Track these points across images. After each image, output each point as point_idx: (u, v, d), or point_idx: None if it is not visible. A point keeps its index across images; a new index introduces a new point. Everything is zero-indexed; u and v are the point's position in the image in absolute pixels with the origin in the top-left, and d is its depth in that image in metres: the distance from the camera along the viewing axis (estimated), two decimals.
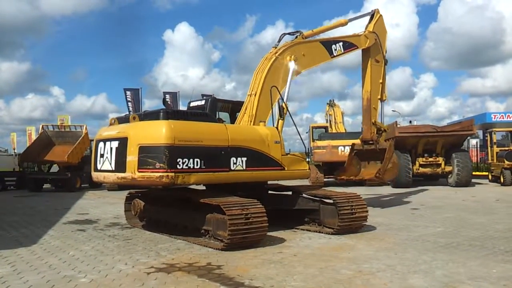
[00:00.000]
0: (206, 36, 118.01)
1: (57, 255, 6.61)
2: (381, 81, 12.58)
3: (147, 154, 7.00)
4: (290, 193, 8.96)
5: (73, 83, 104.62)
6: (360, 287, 4.80)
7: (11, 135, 41.09)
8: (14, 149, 34.21)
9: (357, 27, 12.62)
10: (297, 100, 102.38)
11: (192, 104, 9.76)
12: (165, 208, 8.46)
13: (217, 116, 9.27)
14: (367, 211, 8.23)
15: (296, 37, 10.26)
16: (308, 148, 21.58)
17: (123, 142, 7.45)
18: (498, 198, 14.38)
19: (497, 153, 20.90)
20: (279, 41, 10.03)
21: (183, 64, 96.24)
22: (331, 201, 8.03)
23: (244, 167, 7.77)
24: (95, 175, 8.40)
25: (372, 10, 12.83)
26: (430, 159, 19.69)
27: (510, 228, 8.52)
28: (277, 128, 8.81)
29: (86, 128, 22.33)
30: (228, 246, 6.60)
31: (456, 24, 76.10)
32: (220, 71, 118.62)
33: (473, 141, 31.49)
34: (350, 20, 12.13)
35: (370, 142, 12.33)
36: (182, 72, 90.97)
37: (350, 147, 13.20)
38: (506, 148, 21.00)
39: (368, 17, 12.75)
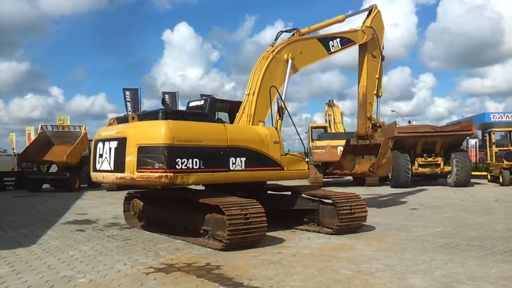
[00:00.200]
0: (205, 36, 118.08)
1: (56, 255, 6.60)
2: (377, 76, 12.55)
3: (146, 154, 7.00)
4: (289, 193, 8.96)
5: (72, 83, 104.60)
6: (359, 287, 4.80)
7: (10, 135, 41.00)
8: (13, 149, 34.16)
9: (355, 24, 12.63)
10: (296, 100, 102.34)
11: (191, 104, 9.76)
12: (164, 208, 8.46)
13: (216, 116, 9.26)
14: (366, 211, 8.24)
15: (293, 34, 10.23)
16: (307, 148, 21.58)
17: (122, 142, 7.44)
18: (497, 198, 14.40)
19: (496, 153, 20.90)
20: (276, 39, 10.00)
21: (182, 64, 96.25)
22: (330, 201, 8.03)
23: (243, 167, 7.76)
24: (94, 175, 8.39)
25: (370, 6, 12.79)
26: (429, 159, 19.70)
27: (509, 228, 8.53)
28: (276, 128, 8.80)
29: (85, 128, 22.34)
30: (227, 246, 6.59)
31: (455, 24, 76.24)
32: (219, 71, 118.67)
33: (472, 141, 31.52)
34: (348, 16, 12.09)
35: (365, 137, 12.28)
36: (181, 72, 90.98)
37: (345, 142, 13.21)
38: (505, 148, 21.01)
39: (365, 13, 12.72)
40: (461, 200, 13.81)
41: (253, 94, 8.95)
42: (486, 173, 22.58)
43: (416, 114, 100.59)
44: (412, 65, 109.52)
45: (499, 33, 70.28)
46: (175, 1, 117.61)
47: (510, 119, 35.79)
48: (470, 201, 13.55)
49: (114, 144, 7.69)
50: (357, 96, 12.55)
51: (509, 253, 6.37)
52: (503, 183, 19.00)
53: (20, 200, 16.70)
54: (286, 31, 10.32)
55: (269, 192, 9.23)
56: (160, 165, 6.85)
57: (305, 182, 18.33)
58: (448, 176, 19.43)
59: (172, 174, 6.88)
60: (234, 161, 7.64)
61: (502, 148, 21.25)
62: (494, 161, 20.81)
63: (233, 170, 7.63)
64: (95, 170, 8.30)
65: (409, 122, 34.62)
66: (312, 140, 23.29)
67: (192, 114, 8.01)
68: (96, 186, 21.58)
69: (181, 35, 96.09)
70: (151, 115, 7.59)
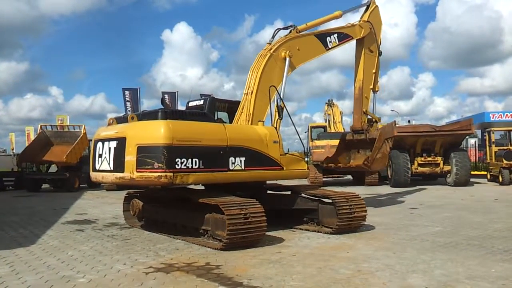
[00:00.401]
0: (205, 36, 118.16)
1: (56, 255, 6.60)
2: (374, 71, 12.53)
3: (145, 154, 6.99)
4: (289, 192, 8.96)
5: (72, 83, 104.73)
6: (359, 286, 4.80)
7: (10, 135, 41.12)
8: (12, 149, 34.27)
9: (354, 20, 12.59)
10: (296, 99, 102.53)
11: (191, 104, 9.75)
12: (164, 208, 8.45)
13: (216, 116, 9.26)
14: (365, 211, 8.23)
15: (290, 31, 10.18)
16: (307, 148, 21.60)
17: (121, 142, 7.44)
18: (496, 197, 14.40)
19: (495, 152, 20.92)
20: (273, 36, 9.96)
21: (182, 64, 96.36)
22: (329, 200, 8.02)
23: (243, 167, 7.76)
24: (94, 175, 8.39)
25: (367, 1, 12.75)
26: (429, 159, 19.70)
27: (508, 227, 8.53)
28: (275, 127, 8.80)
29: (84, 128, 22.32)
30: (227, 246, 6.59)
31: (454, 24, 76.38)
32: (219, 71, 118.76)
33: (472, 141, 31.55)
34: (345, 12, 12.04)
35: (361, 131, 12.23)
36: (181, 72, 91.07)
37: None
38: (505, 148, 21.02)
39: (363, 8, 12.66)
40: (460, 200, 13.81)
41: (252, 94, 8.94)
42: (485, 173, 22.59)
43: (416, 113, 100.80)
44: (411, 64, 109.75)
45: (499, 33, 70.46)
46: (174, 1, 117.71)
47: (509, 118, 35.82)
48: (470, 201, 13.55)
49: (113, 144, 7.68)
50: (353, 90, 12.51)
51: (509, 252, 6.37)
52: (502, 182, 19.01)
53: (20, 200, 16.69)
54: (283, 29, 10.28)
55: (268, 191, 9.23)
56: (160, 165, 6.85)
57: (304, 182, 18.34)
58: (448, 176, 19.44)
59: (171, 174, 6.88)
60: (233, 161, 7.64)
61: (501, 148, 21.27)
62: (493, 160, 20.82)
63: (232, 170, 7.62)
64: (94, 170, 8.29)
65: (409, 121, 34.74)
66: (312, 140, 23.31)
67: (191, 114, 8.00)
68: (95, 186, 21.60)
69: (180, 35, 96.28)
70: (150, 115, 7.58)
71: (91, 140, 10.39)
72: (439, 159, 19.58)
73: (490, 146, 21.86)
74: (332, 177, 23.42)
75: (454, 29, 75.54)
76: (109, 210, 12.59)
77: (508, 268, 5.47)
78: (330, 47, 10.95)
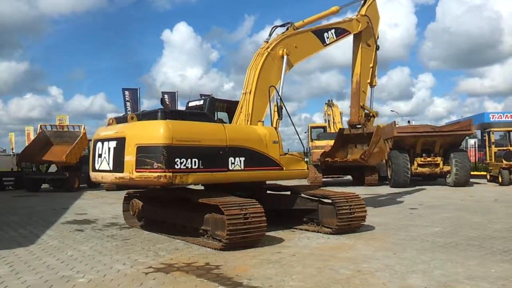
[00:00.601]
0: (205, 36, 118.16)
1: (55, 255, 6.60)
2: (371, 65, 12.46)
3: (145, 154, 6.99)
4: (288, 193, 8.96)
5: (72, 82, 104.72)
6: (359, 286, 4.79)
7: (9, 135, 41.07)
8: (12, 149, 34.22)
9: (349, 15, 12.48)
10: (296, 100, 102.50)
11: (191, 104, 9.75)
12: (164, 208, 8.45)
13: (216, 116, 9.26)
14: (365, 211, 8.23)
15: (287, 28, 10.11)
16: (307, 148, 21.59)
17: (121, 142, 7.44)
18: (496, 198, 14.40)
19: (495, 153, 20.92)
20: (270, 34, 9.88)
21: (182, 64, 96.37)
22: (329, 201, 8.02)
23: (242, 167, 7.76)
24: (93, 175, 8.38)
25: None
26: (429, 159, 19.71)
27: (508, 227, 8.53)
28: (275, 128, 8.80)
29: (84, 128, 22.32)
30: (227, 246, 6.59)
31: (454, 24, 76.42)
32: (219, 71, 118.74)
33: (471, 141, 31.55)
34: (342, 7, 11.94)
35: (358, 126, 12.17)
36: (181, 72, 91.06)
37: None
38: (504, 148, 21.02)
39: (360, 3, 12.55)
40: (460, 200, 13.81)
41: (250, 93, 8.91)
42: (485, 173, 22.59)
43: (416, 114, 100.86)
44: (411, 65, 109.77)
45: (498, 33, 70.51)
46: (174, 1, 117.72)
47: (509, 119, 35.84)
48: (470, 201, 13.55)
49: (113, 144, 7.68)
50: (351, 85, 12.44)
51: (508, 252, 6.37)
52: (502, 182, 19.02)
53: (19, 200, 16.69)
54: (280, 26, 10.19)
55: (268, 192, 9.23)
56: (159, 165, 6.85)
57: (304, 182, 18.34)
58: (448, 176, 19.44)
59: (171, 174, 6.88)
60: (233, 161, 7.63)
61: (501, 148, 21.27)
62: (493, 161, 20.83)
63: (232, 170, 7.62)
64: (94, 170, 8.29)
65: (409, 122, 34.67)
66: (312, 140, 23.32)
67: (191, 114, 8.00)
68: (95, 186, 21.60)
69: (180, 35, 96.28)
70: (150, 115, 7.58)
71: (90, 140, 10.39)
72: (438, 160, 19.58)
73: (489, 146, 21.87)
74: (332, 177, 23.44)
75: (454, 29, 75.68)
76: (109, 210, 12.58)
77: (508, 269, 5.47)
78: (327, 43, 10.87)
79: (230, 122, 9.26)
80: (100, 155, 8.04)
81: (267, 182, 9.13)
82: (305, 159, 9.21)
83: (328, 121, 29.59)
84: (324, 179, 20.98)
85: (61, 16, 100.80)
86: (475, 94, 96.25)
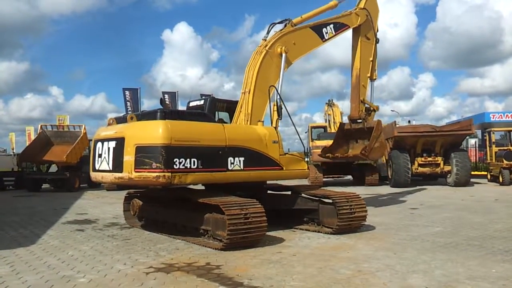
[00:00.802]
0: (205, 36, 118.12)
1: (56, 255, 6.60)
2: (371, 59, 12.32)
3: (144, 154, 7.00)
4: (289, 193, 8.96)
5: (72, 82, 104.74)
6: (359, 286, 4.79)
7: (10, 135, 41.07)
8: (13, 149, 34.24)
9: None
10: (296, 100, 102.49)
11: (192, 104, 9.75)
12: (164, 208, 8.45)
13: (218, 116, 9.25)
14: (366, 211, 8.23)
15: (285, 25, 10.01)
16: (307, 148, 21.56)
17: (120, 142, 7.45)
18: (497, 197, 14.40)
19: (495, 152, 20.93)
20: (268, 32, 9.80)
21: (182, 64, 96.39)
22: (330, 200, 8.02)
23: (242, 167, 7.76)
24: (93, 175, 8.40)
25: None
26: (429, 159, 19.71)
27: (509, 227, 8.53)
28: (275, 127, 8.79)
29: (84, 128, 22.34)
30: (227, 246, 6.59)
31: (454, 24, 76.34)
32: (219, 71, 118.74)
33: (472, 141, 31.53)
34: (340, 1, 11.77)
35: (358, 120, 12.02)
36: (181, 72, 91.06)
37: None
38: (505, 148, 21.04)
39: None
40: (461, 200, 13.81)
41: (249, 93, 8.89)
42: (486, 173, 22.60)
43: (416, 113, 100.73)
44: (411, 64, 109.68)
45: (499, 33, 70.41)
46: (174, 1, 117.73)
47: (509, 118, 35.80)
48: (470, 201, 13.55)
49: (112, 144, 7.69)
50: (350, 79, 12.29)
51: (509, 252, 6.37)
52: (503, 182, 19.01)
53: (20, 200, 16.69)
54: (278, 23, 10.09)
55: (269, 191, 9.22)
56: (158, 165, 6.86)
57: (305, 182, 18.34)
58: (448, 176, 19.44)
59: (169, 174, 6.88)
60: (232, 161, 7.63)
61: (501, 148, 21.28)
62: (493, 160, 20.83)
63: (231, 170, 7.62)
64: (94, 170, 8.30)
65: (409, 121, 34.60)
66: (312, 140, 23.29)
67: (190, 114, 8.01)
68: (96, 186, 21.61)
69: (180, 35, 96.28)
70: (149, 115, 7.60)
71: (91, 140, 10.40)
72: (439, 160, 19.58)
73: (490, 146, 21.87)
74: (333, 177, 23.44)
75: (454, 29, 75.58)
76: (110, 210, 12.59)
77: (509, 269, 5.47)
78: (326, 38, 10.77)
79: (231, 122, 9.26)
80: (100, 155, 8.05)
81: (268, 182, 9.12)
82: (306, 159, 9.20)
83: (329, 121, 29.56)
84: (324, 179, 20.98)
85: (61, 16, 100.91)
86: (475, 94, 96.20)
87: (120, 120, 8.20)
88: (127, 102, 29.87)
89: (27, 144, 25.98)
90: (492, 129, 23.07)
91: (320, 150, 19.91)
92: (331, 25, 10.93)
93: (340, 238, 7.58)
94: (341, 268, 5.55)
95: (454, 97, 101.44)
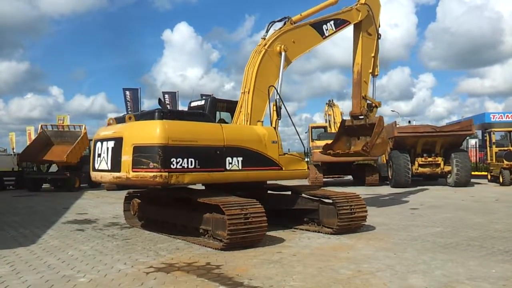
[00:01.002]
0: (205, 36, 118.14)
1: (56, 254, 6.60)
2: (373, 55, 12.14)
3: (141, 154, 7.02)
4: (289, 193, 8.95)
5: (72, 82, 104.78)
6: (360, 287, 4.79)
7: (10, 135, 41.02)
8: (13, 148, 34.19)
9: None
10: (296, 100, 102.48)
11: (193, 104, 9.76)
12: (164, 207, 8.46)
13: (219, 116, 9.26)
14: (366, 211, 8.22)
15: (285, 23, 9.90)
16: (307, 148, 21.56)
17: (118, 142, 7.49)
18: (497, 198, 14.39)
19: (496, 153, 20.90)
20: (267, 30, 9.72)
21: (182, 64, 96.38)
22: (330, 201, 8.02)
23: (240, 167, 7.75)
24: (93, 175, 8.43)
25: None
26: (429, 159, 19.68)
27: (509, 228, 8.52)
28: (274, 128, 8.78)
29: (85, 128, 22.34)
30: (227, 246, 6.59)
31: (455, 24, 76.31)
32: (219, 71, 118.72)
33: (472, 141, 31.53)
34: None
35: (360, 117, 11.86)
36: (181, 72, 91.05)
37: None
38: (505, 148, 21.00)
39: None
40: (461, 200, 13.80)
41: (248, 92, 8.87)
42: (486, 173, 22.58)
43: (416, 114, 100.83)
44: (411, 65, 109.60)
45: (499, 33, 70.39)
46: (175, 1, 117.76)
47: (510, 119, 35.70)
48: (470, 201, 13.54)
49: (111, 144, 7.72)
50: (352, 75, 12.10)
51: (509, 253, 6.36)
52: (503, 183, 19.00)
53: (20, 200, 16.69)
54: (277, 21, 9.98)
55: (269, 192, 9.22)
56: (155, 164, 6.87)
57: (305, 182, 18.33)
58: (448, 176, 19.42)
59: (166, 173, 6.89)
60: (230, 161, 7.64)
61: (502, 148, 21.24)
62: (494, 161, 20.81)
63: (229, 170, 7.62)
64: (94, 169, 8.32)
65: (409, 122, 34.57)
66: (312, 140, 23.28)
67: (189, 114, 8.04)
68: (96, 185, 21.61)
69: (181, 35, 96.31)
70: (147, 115, 7.64)
71: (91, 140, 10.40)
72: (439, 160, 19.56)
73: (490, 146, 21.84)
74: (333, 177, 23.43)
75: (455, 29, 75.54)
76: (110, 210, 12.59)
77: (509, 269, 5.46)
78: (327, 35, 10.63)
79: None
80: (99, 155, 8.08)
81: (268, 182, 9.12)
82: (306, 159, 9.18)
83: (329, 121, 29.53)
84: (324, 179, 20.97)
85: (61, 16, 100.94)
86: (475, 94, 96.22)
87: (120, 120, 8.21)
88: (128, 102, 29.91)
89: (28, 144, 25.96)
90: (493, 129, 23.02)
91: (320, 150, 20.02)
92: (331, 22, 10.79)
93: (340, 238, 7.58)
94: (341, 268, 5.55)
95: (454, 98, 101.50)
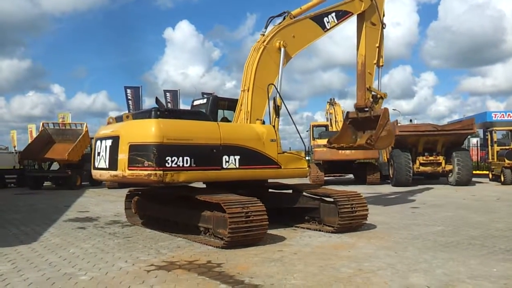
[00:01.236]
0: (207, 34, 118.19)
1: (57, 252, 6.61)
2: (377, 45, 11.77)
3: (136, 152, 7.05)
4: (290, 191, 8.95)
5: (74, 80, 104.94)
6: (361, 285, 4.79)
7: (11, 133, 41.03)
8: (14, 146, 34.21)
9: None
10: (297, 98, 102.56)
11: (196, 103, 9.76)
12: (165, 206, 8.46)
13: (223, 115, 9.24)
14: (367, 210, 8.22)
15: (284, 18, 9.68)
16: (308, 147, 21.56)
17: (115, 140, 7.53)
18: (498, 197, 14.37)
19: (497, 152, 20.88)
20: (266, 26, 9.53)
21: (184, 62, 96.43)
22: (331, 199, 8.02)
23: (237, 166, 7.74)
24: (94, 173, 8.47)
25: None
26: (431, 158, 19.65)
27: (510, 227, 8.51)
28: (273, 126, 8.75)
29: (86, 126, 22.35)
30: (229, 244, 6.59)
31: (456, 23, 76.22)
32: (220, 69, 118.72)
33: (474, 140, 31.46)
34: None
35: (365, 109, 11.56)
36: (183, 70, 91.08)
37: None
38: (507, 147, 20.96)
39: None
40: (462, 199, 13.79)
41: (248, 90, 8.82)
42: (487, 172, 22.54)
43: (418, 113, 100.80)
44: (413, 63, 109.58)
45: (501, 32, 70.29)
46: None
47: (511, 118, 35.70)
48: (472, 200, 13.53)
49: (109, 142, 7.77)
50: (356, 66, 11.81)
51: (511, 252, 6.36)
52: (504, 182, 18.97)
53: (22, 198, 16.72)
54: (277, 16, 9.76)
55: (270, 190, 9.22)
56: (150, 163, 6.89)
57: (306, 181, 18.34)
58: (450, 175, 19.39)
59: (161, 172, 6.90)
60: (227, 159, 7.63)
61: (503, 147, 21.21)
62: (495, 160, 20.78)
63: (226, 169, 7.61)
64: (94, 168, 8.36)
65: (411, 120, 34.55)
66: (313, 139, 23.27)
67: (186, 113, 8.04)
68: (97, 183, 21.61)
69: (182, 33, 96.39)
70: (144, 114, 7.67)
71: (92, 138, 10.42)
72: (441, 159, 19.53)
73: (492, 145, 21.81)
74: (334, 176, 23.43)
75: (456, 28, 75.47)
76: (111, 208, 12.60)
77: (510, 268, 5.46)
78: (328, 28, 10.35)
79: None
80: (99, 153, 8.11)
81: (269, 180, 9.11)
82: (306, 158, 9.15)
83: (330, 119, 29.50)
84: (326, 178, 20.96)
85: (63, 14, 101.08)
86: (477, 93, 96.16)
87: (120, 119, 8.24)
88: (129, 100, 29.91)
89: (29, 142, 25.99)
90: (494, 128, 22.99)
91: (321, 149, 20.04)
92: (333, 14, 10.47)
93: (341, 237, 7.58)
94: (342, 266, 5.55)
95: (456, 96, 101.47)
